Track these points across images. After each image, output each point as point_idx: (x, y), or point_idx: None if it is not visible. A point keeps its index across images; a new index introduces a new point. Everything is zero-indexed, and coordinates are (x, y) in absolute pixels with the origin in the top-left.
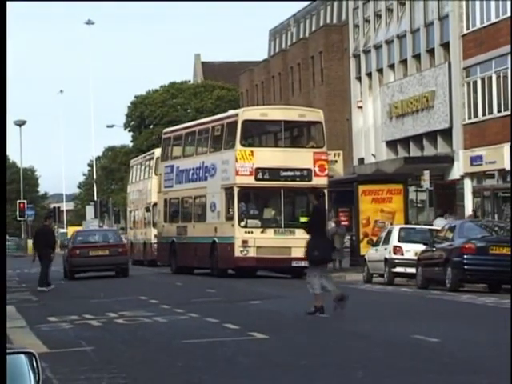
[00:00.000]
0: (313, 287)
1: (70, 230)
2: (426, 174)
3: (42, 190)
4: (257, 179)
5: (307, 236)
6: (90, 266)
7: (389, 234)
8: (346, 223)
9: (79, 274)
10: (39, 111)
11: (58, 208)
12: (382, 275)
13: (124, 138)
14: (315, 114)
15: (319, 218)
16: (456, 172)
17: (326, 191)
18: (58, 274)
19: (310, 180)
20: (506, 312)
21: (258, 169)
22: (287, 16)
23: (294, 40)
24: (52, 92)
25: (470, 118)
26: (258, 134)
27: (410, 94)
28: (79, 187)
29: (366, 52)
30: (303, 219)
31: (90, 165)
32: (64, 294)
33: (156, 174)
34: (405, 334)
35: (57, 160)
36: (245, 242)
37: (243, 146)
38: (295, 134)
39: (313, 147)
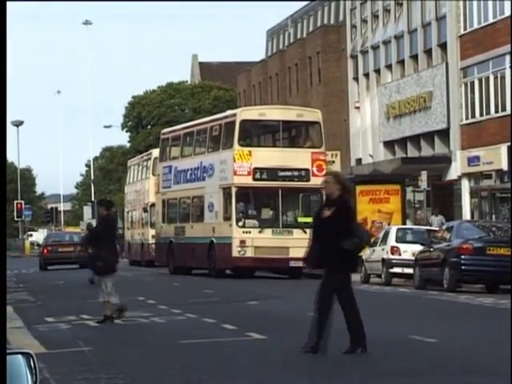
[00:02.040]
0: (102, 296)
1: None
2: (424, 175)
3: (39, 190)
4: (255, 179)
5: (307, 236)
6: (59, 260)
7: (386, 234)
8: None
9: (51, 266)
10: (37, 111)
11: (56, 208)
12: (379, 276)
13: (121, 139)
14: (313, 114)
15: (106, 229)
16: (453, 172)
17: (323, 191)
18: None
19: (307, 180)
20: (504, 312)
21: (255, 169)
22: (285, 16)
23: (292, 40)
24: (49, 92)
25: (467, 118)
26: (255, 133)
27: (407, 94)
28: (77, 187)
29: (364, 52)
30: (301, 219)
31: (88, 165)
32: (61, 294)
33: (153, 175)
34: (402, 335)
35: (54, 160)
36: (243, 242)
37: (241, 145)
38: (293, 134)
39: (311, 147)
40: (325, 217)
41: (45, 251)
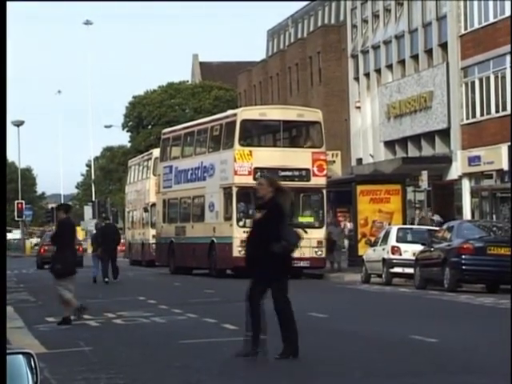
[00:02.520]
0: (61, 298)
1: None
2: (424, 175)
3: (39, 190)
4: (255, 179)
5: (307, 236)
6: None
7: (387, 234)
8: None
9: (48, 264)
10: (37, 111)
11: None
12: (380, 275)
13: (122, 139)
14: (314, 114)
15: (65, 232)
16: (454, 172)
17: (324, 191)
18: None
19: (308, 180)
20: (504, 312)
21: (256, 169)
22: (285, 16)
23: (292, 40)
24: (50, 92)
25: (467, 118)
26: (256, 133)
27: (407, 94)
28: (77, 187)
29: (364, 52)
30: (302, 219)
31: (88, 165)
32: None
33: (154, 175)
34: (403, 334)
35: (55, 160)
36: (243, 241)
37: (242, 145)
38: (294, 134)
39: (311, 147)
40: (256, 219)
41: (42, 250)
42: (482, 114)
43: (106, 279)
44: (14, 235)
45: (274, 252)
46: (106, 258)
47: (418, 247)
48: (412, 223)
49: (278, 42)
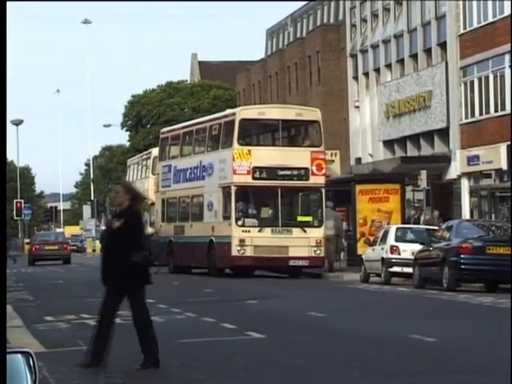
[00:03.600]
0: None
1: (67, 230)
2: (423, 174)
3: (38, 189)
4: (254, 178)
5: (306, 235)
6: (44, 256)
7: (386, 233)
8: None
9: (38, 262)
10: (36, 110)
11: (55, 207)
12: (378, 275)
13: (121, 138)
14: (313, 113)
15: None
16: (453, 172)
17: (323, 190)
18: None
19: (307, 179)
20: (503, 312)
21: (255, 168)
22: (284, 15)
23: (291, 39)
24: (49, 91)
25: (466, 117)
26: (255, 132)
27: (406, 93)
28: (76, 186)
29: (363, 51)
30: (301, 218)
31: (87, 164)
32: (61, 293)
33: (153, 174)
34: (402, 334)
35: (54, 159)
36: (242, 241)
37: (240, 144)
38: (293, 133)
39: (310, 146)
40: (114, 228)
41: (33, 249)
42: (481, 114)
43: None
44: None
45: (134, 262)
46: None
47: (417, 246)
48: (408, 222)
49: (277, 41)
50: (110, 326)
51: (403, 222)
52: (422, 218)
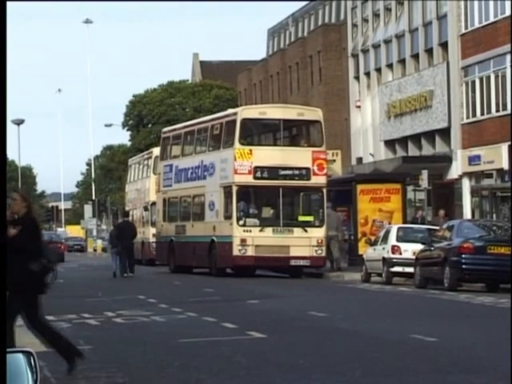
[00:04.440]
0: None
1: (68, 229)
2: (424, 174)
3: (39, 188)
4: (255, 178)
5: (308, 235)
6: None
7: (387, 233)
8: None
9: None
10: (37, 110)
11: (56, 207)
12: (380, 275)
13: (122, 137)
14: (314, 113)
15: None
16: (454, 171)
17: (324, 190)
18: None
19: (308, 179)
20: (504, 311)
21: (256, 167)
22: (286, 15)
23: (293, 39)
24: (50, 91)
25: (468, 117)
26: (256, 132)
27: (408, 93)
28: (77, 186)
29: (365, 51)
30: (302, 218)
31: (89, 164)
32: (62, 292)
33: (154, 173)
34: (403, 334)
35: (55, 159)
36: (243, 240)
37: (242, 144)
38: (294, 133)
39: (311, 146)
40: (10, 236)
41: None
42: (482, 114)
43: (125, 274)
44: None
45: (31, 270)
46: (124, 253)
47: (418, 246)
48: (415, 222)
49: (279, 41)
50: (53, 330)
51: (408, 222)
52: (427, 218)
